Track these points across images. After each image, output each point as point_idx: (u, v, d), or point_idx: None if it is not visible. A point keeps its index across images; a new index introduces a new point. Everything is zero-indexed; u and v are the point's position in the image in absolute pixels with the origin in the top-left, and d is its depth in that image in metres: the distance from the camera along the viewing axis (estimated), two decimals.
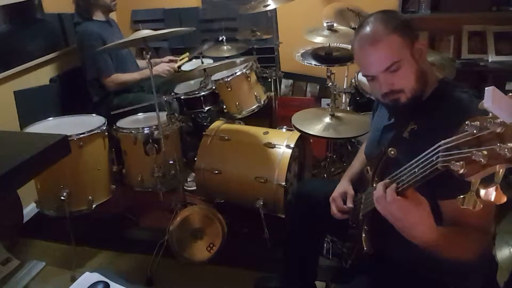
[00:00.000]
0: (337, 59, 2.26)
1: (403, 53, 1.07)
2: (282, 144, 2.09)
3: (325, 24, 2.26)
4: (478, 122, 0.62)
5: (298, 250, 1.60)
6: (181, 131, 2.41)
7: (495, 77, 2.74)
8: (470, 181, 0.64)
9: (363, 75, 1.17)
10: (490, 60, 2.75)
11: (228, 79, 2.29)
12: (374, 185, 1.06)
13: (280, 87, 3.16)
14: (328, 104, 2.31)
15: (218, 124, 2.35)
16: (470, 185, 0.65)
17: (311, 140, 2.34)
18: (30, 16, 2.60)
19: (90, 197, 2.09)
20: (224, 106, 2.36)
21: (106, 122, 2.20)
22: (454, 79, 2.00)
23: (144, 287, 1.94)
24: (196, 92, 2.29)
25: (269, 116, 2.81)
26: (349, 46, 2.20)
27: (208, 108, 2.34)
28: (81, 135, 2.01)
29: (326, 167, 2.50)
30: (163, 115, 2.10)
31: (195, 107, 2.34)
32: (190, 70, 2.55)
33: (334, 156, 2.51)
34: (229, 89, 2.32)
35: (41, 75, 2.65)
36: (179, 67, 2.85)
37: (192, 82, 2.53)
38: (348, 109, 2.48)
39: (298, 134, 2.08)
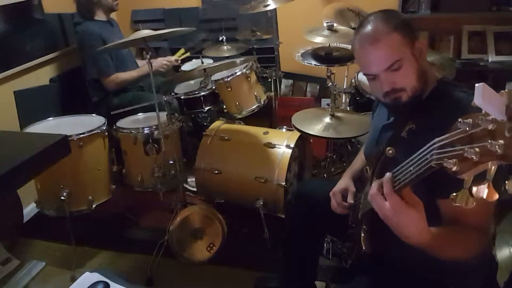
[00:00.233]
0: (337, 59, 2.26)
1: (404, 52, 1.07)
2: (282, 144, 2.09)
3: (325, 24, 2.26)
4: (471, 120, 0.62)
5: (298, 250, 1.60)
6: (181, 131, 2.41)
7: (495, 77, 2.74)
8: (463, 178, 0.64)
9: (364, 74, 1.17)
10: (490, 60, 2.75)
11: (228, 79, 2.30)
12: None
13: (280, 87, 3.16)
14: (328, 104, 2.31)
15: (218, 124, 2.35)
16: (463, 183, 0.65)
17: (311, 140, 2.34)
18: (30, 16, 2.60)
19: (90, 197, 2.09)
20: (224, 106, 2.36)
21: (106, 122, 2.20)
22: (454, 79, 2.00)
23: (144, 287, 1.94)
24: (196, 92, 2.29)
25: (269, 116, 2.81)
26: (349, 46, 2.20)
27: (208, 108, 2.33)
28: (81, 135, 2.01)
29: (326, 167, 2.50)
30: (163, 115, 2.10)
31: (195, 107, 2.34)
32: (190, 70, 2.55)
33: (334, 156, 2.51)
34: (229, 89, 2.32)
35: (41, 75, 2.65)
36: (178, 67, 2.85)
37: (192, 82, 2.53)
38: (348, 109, 2.48)
39: (298, 134, 2.08)
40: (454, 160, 0.63)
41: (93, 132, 2.06)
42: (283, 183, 2.00)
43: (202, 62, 2.71)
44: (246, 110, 2.40)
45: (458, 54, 2.86)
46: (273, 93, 2.65)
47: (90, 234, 2.26)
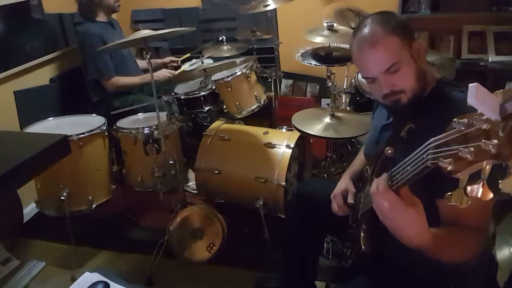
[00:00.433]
0: (337, 59, 2.26)
1: (402, 54, 1.07)
2: (282, 144, 2.09)
3: (325, 24, 2.26)
4: (466, 119, 0.62)
5: (298, 250, 1.60)
6: (181, 131, 2.41)
7: (495, 77, 2.74)
8: (458, 178, 0.65)
9: (363, 77, 1.17)
10: (490, 60, 2.75)
11: (228, 79, 2.29)
12: None
13: (280, 87, 3.16)
14: (328, 104, 2.31)
15: (218, 124, 2.35)
16: (459, 182, 0.65)
17: (311, 140, 2.34)
18: (30, 16, 2.60)
19: (90, 197, 2.09)
20: (224, 106, 2.36)
21: (106, 122, 2.20)
22: (454, 79, 2.00)
23: (144, 287, 1.94)
24: (196, 92, 2.29)
25: (269, 116, 2.81)
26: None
27: (208, 108, 2.33)
28: (81, 135, 2.01)
29: (326, 167, 2.50)
30: (163, 115, 2.10)
31: (195, 107, 2.34)
32: (190, 70, 2.55)
33: (334, 156, 2.51)
34: (229, 89, 2.32)
35: (41, 75, 2.65)
36: (178, 67, 2.85)
37: (192, 82, 2.53)
38: (348, 109, 2.48)
39: (298, 134, 2.08)
40: (449, 159, 0.64)
41: (93, 132, 2.06)
42: (283, 183, 2.00)
43: (202, 62, 2.71)
44: (246, 110, 2.40)
45: (458, 54, 2.86)
46: (273, 93, 2.65)
47: (90, 234, 2.26)
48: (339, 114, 2.05)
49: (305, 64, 2.27)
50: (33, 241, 2.31)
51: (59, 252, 2.21)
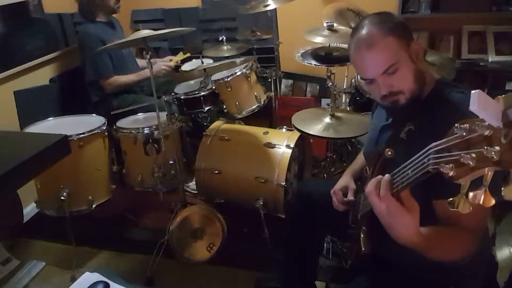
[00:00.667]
0: (337, 59, 2.26)
1: (400, 55, 1.06)
2: (282, 144, 2.09)
3: (325, 24, 2.25)
4: (467, 125, 0.61)
5: (298, 250, 1.59)
6: (181, 131, 2.41)
7: (495, 77, 2.73)
8: (460, 183, 0.64)
9: (361, 79, 1.17)
10: (490, 60, 2.75)
11: (228, 79, 2.29)
12: None
13: (280, 87, 3.15)
14: (328, 104, 2.31)
15: (218, 124, 2.35)
16: (460, 188, 0.65)
17: (311, 140, 2.34)
18: (30, 16, 2.60)
19: (90, 197, 2.09)
20: (224, 106, 2.36)
21: (106, 122, 2.20)
22: (454, 79, 1.99)
23: (144, 287, 1.94)
24: (196, 92, 2.29)
25: (269, 116, 2.81)
26: None
27: (208, 108, 2.33)
28: (81, 135, 2.01)
29: (326, 167, 2.50)
30: (163, 115, 2.10)
31: (195, 107, 2.33)
32: (190, 70, 2.55)
33: (334, 156, 2.51)
34: (229, 89, 2.31)
35: (41, 75, 2.65)
36: (178, 67, 2.85)
37: (192, 82, 2.53)
38: (348, 109, 2.48)
39: (298, 134, 2.08)
40: (451, 165, 0.63)
41: (93, 132, 2.06)
42: (283, 183, 2.00)
43: (202, 62, 2.71)
44: (246, 110, 2.39)
45: (458, 54, 2.86)
46: (273, 93, 2.65)
47: (90, 234, 2.26)
48: (339, 114, 2.05)
49: (305, 64, 2.27)
50: (33, 241, 2.31)
51: (59, 252, 2.21)
